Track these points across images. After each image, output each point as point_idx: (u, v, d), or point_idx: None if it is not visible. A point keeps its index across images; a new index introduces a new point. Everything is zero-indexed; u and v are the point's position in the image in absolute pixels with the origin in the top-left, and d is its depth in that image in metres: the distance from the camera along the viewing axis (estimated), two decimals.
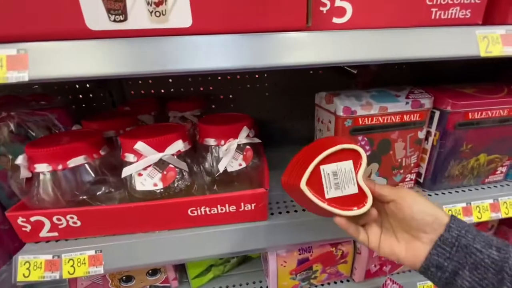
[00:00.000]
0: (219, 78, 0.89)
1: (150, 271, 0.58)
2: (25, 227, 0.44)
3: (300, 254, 0.57)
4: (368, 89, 0.55)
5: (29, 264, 0.43)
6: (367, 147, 0.51)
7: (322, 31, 0.37)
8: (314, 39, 0.37)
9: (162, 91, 0.89)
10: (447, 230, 0.31)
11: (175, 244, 0.47)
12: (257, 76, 0.89)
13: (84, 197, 0.47)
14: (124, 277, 0.56)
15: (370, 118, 0.49)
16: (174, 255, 0.47)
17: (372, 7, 0.39)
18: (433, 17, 0.41)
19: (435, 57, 0.40)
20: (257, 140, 0.55)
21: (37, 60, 0.32)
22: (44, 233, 0.45)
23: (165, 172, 0.47)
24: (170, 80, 0.88)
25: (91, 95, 0.85)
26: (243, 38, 0.35)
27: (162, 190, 0.47)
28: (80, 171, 0.47)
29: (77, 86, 0.83)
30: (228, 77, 0.89)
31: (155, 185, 0.46)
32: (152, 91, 0.88)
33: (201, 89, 0.90)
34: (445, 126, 0.52)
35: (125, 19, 0.34)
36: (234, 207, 0.47)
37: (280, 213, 0.52)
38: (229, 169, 0.51)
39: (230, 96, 0.91)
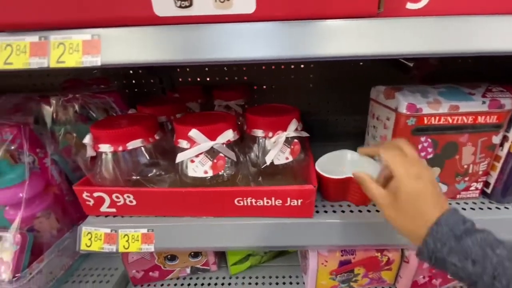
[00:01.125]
0: (264, 67, 0.87)
1: (192, 253, 0.60)
2: (89, 201, 0.48)
3: (342, 256, 0.55)
4: (434, 85, 0.49)
5: (91, 235, 0.47)
6: (430, 150, 0.47)
7: (395, 18, 0.34)
8: (385, 26, 0.33)
9: (208, 79, 0.90)
10: (424, 245, 0.32)
11: (220, 232, 0.47)
12: (302, 66, 0.86)
13: (138, 178, 0.50)
14: (169, 256, 0.59)
15: (437, 118, 0.44)
16: (218, 242, 0.48)
17: None
18: None
19: None
20: (305, 134, 0.53)
21: (108, 45, 0.33)
22: (104, 208, 0.49)
23: (215, 161, 0.47)
24: (216, 69, 0.89)
25: (142, 81, 0.90)
26: (305, 25, 0.33)
27: (210, 177, 0.48)
28: (137, 153, 0.49)
29: (131, 72, 0.88)
30: (273, 67, 0.87)
31: (206, 172, 0.47)
32: (198, 79, 0.90)
33: (245, 78, 0.90)
34: None
35: (190, 4, 0.34)
36: (280, 201, 0.46)
37: (325, 212, 0.50)
38: (276, 162, 0.50)
39: (273, 86, 0.90)
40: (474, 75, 0.84)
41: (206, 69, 0.89)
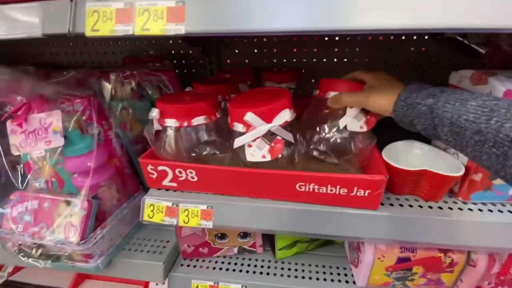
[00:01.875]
0: (315, 50, 0.83)
1: (241, 234, 0.61)
2: (152, 174, 0.49)
3: (401, 252, 0.51)
4: None
5: (153, 207, 0.49)
6: None
7: None
8: None
9: (256, 61, 0.88)
10: (398, 97, 0.40)
11: (279, 215, 0.47)
12: (357, 49, 0.81)
13: (198, 154, 0.50)
14: (219, 234, 0.60)
15: None
16: (277, 225, 0.47)
17: None
18: None
19: None
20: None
21: (192, 13, 0.32)
22: (166, 182, 0.50)
23: (272, 144, 0.46)
24: (265, 51, 0.86)
25: (192, 62, 0.90)
26: None
27: (269, 162, 0.46)
28: (199, 130, 0.49)
29: (181, 51, 0.89)
30: (324, 49, 0.82)
31: (264, 157, 0.45)
32: (246, 60, 0.89)
33: (294, 61, 0.87)
34: None
35: None
36: (346, 190, 0.44)
37: (391, 204, 0.47)
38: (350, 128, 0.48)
39: (320, 71, 0.86)
40: None
41: (255, 50, 0.87)
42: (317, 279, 0.59)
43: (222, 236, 0.61)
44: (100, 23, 0.33)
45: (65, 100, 0.54)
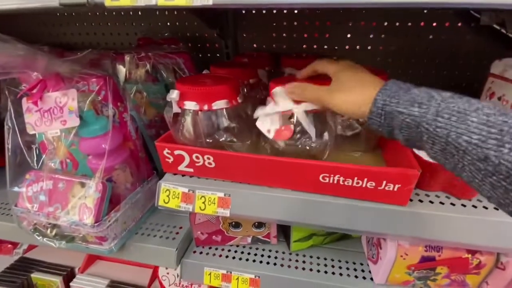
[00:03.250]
0: (327, 36, 0.79)
1: (256, 223, 0.59)
2: (169, 158, 0.48)
3: (426, 251, 0.49)
4: None
5: (169, 192, 0.47)
6: None
7: None
8: None
9: (274, 46, 0.84)
10: (373, 104, 0.32)
11: (301, 207, 0.44)
12: (371, 36, 0.76)
13: (215, 140, 0.48)
14: (233, 223, 0.59)
15: None
16: (297, 216, 0.45)
17: None
18: None
19: None
20: None
21: None
22: (182, 167, 0.48)
23: (282, 127, 0.43)
24: (284, 35, 0.82)
25: (207, 45, 0.87)
26: None
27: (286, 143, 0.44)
28: (218, 114, 0.47)
29: (197, 34, 0.86)
30: (348, 35, 0.78)
31: (268, 131, 0.43)
32: (264, 45, 0.85)
33: (315, 47, 0.82)
34: None
35: None
36: (373, 184, 0.41)
37: (420, 201, 0.44)
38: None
39: (338, 57, 0.81)
40: None
41: (274, 34, 0.83)
42: (333, 273, 0.57)
43: (236, 225, 0.59)
44: None
45: (81, 79, 0.52)
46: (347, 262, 0.60)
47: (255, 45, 0.85)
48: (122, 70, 0.71)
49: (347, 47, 0.79)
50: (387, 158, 0.53)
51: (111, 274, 0.86)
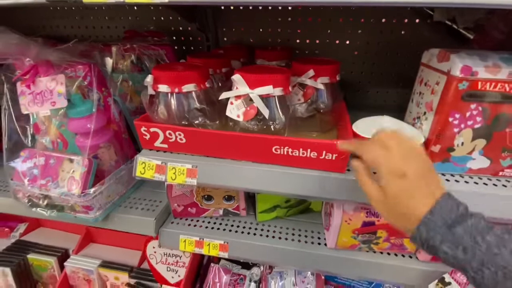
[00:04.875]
0: (307, 31, 0.86)
1: (226, 196, 0.67)
2: (145, 135, 0.55)
3: (367, 217, 0.57)
4: (498, 51, 0.46)
5: (145, 164, 0.55)
6: (479, 119, 0.45)
7: None
8: None
9: (251, 40, 0.91)
10: (416, 234, 0.33)
11: (256, 175, 0.52)
12: (349, 31, 0.83)
13: (187, 120, 0.55)
14: (206, 196, 0.66)
15: (493, 84, 0.42)
16: (253, 184, 0.52)
17: None
18: None
19: None
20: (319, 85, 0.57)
21: None
22: (157, 143, 0.55)
23: (248, 108, 0.50)
24: (261, 30, 0.89)
25: (190, 38, 0.94)
26: None
27: (245, 124, 0.51)
28: (189, 96, 0.54)
29: (180, 28, 0.92)
30: (319, 29, 0.85)
31: (238, 116, 0.50)
32: (243, 39, 0.92)
33: (288, 40, 0.89)
34: None
35: None
36: (315, 154, 0.49)
37: None
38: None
39: (316, 51, 0.89)
40: None
41: (251, 30, 0.90)
42: (292, 240, 0.65)
43: (209, 197, 0.67)
44: None
45: (69, 66, 0.59)
46: (306, 231, 0.68)
47: (234, 39, 0.92)
48: (109, 61, 0.77)
49: (327, 40, 0.86)
50: (340, 133, 0.61)
51: (103, 255, 0.92)
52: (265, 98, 0.50)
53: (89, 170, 0.61)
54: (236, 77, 0.49)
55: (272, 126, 0.53)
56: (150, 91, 0.53)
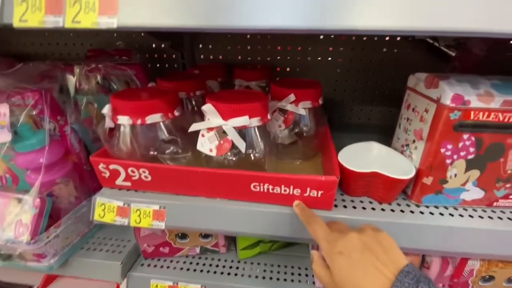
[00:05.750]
0: (289, 48, 0.82)
1: (203, 233, 0.60)
2: (104, 173, 0.48)
3: None
4: (487, 76, 0.43)
5: (105, 206, 0.47)
6: (472, 149, 0.41)
7: None
8: None
9: (229, 57, 0.87)
10: None
11: (232, 215, 0.46)
12: (331, 49, 0.81)
13: (155, 153, 0.49)
14: (180, 234, 0.59)
15: (486, 113, 0.39)
16: (229, 225, 0.46)
17: None
18: None
19: None
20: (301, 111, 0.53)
21: (126, 5, 0.31)
22: (119, 181, 0.48)
23: (222, 142, 0.45)
24: (239, 47, 0.85)
25: (164, 56, 0.88)
26: None
27: (220, 157, 0.45)
28: (155, 128, 0.48)
29: (153, 45, 0.86)
30: (299, 48, 0.82)
31: (211, 150, 0.44)
32: (220, 57, 0.87)
33: (268, 59, 0.86)
34: None
35: None
36: (299, 191, 0.43)
37: (345, 206, 0.47)
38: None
39: (297, 69, 0.85)
40: None
41: (229, 47, 0.85)
42: (278, 279, 0.59)
43: (183, 236, 0.60)
44: (29, 14, 0.31)
45: (15, 93, 0.52)
46: (293, 268, 0.62)
47: (211, 57, 0.87)
48: (72, 82, 0.70)
49: (309, 58, 0.83)
50: (324, 166, 0.56)
51: None
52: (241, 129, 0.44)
53: (41, 211, 0.52)
54: (207, 108, 0.43)
55: (251, 156, 0.47)
56: (109, 123, 0.46)
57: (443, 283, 0.55)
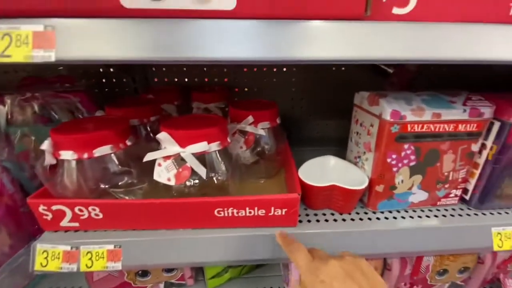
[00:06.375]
0: (245, 69, 0.85)
1: (166, 268, 0.56)
2: (46, 215, 0.42)
3: None
4: (417, 92, 0.49)
5: (47, 253, 0.42)
6: (413, 157, 0.46)
7: (380, 22, 0.33)
8: (373, 30, 0.32)
9: (186, 80, 0.86)
10: None
11: (197, 246, 0.44)
12: (284, 69, 0.85)
13: (107, 187, 0.45)
14: (140, 272, 0.54)
15: (420, 125, 0.44)
16: (195, 257, 0.44)
17: None
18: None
19: None
20: (261, 132, 0.54)
21: (65, 38, 0.29)
22: (64, 223, 0.43)
23: (180, 170, 0.43)
24: (195, 70, 0.85)
25: (114, 80, 0.83)
26: (288, 25, 0.31)
27: (181, 185, 0.43)
28: (105, 160, 0.44)
29: (101, 70, 0.81)
30: (254, 69, 0.84)
31: (169, 180, 0.43)
32: (176, 79, 0.85)
33: (225, 80, 0.86)
34: (506, 140, 0.46)
35: None
36: (264, 211, 0.43)
37: (309, 221, 0.48)
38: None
39: (255, 89, 0.87)
40: (450, 82, 0.88)
41: (184, 69, 0.84)
42: None
43: (144, 273, 0.55)
44: None
45: None
46: None
47: (166, 80, 0.85)
48: (2, 113, 0.62)
49: (265, 80, 0.85)
50: (287, 182, 0.57)
51: None
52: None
53: None
54: (163, 136, 0.41)
55: (214, 179, 0.46)
56: (50, 160, 0.41)
57: (404, 282, 0.58)
